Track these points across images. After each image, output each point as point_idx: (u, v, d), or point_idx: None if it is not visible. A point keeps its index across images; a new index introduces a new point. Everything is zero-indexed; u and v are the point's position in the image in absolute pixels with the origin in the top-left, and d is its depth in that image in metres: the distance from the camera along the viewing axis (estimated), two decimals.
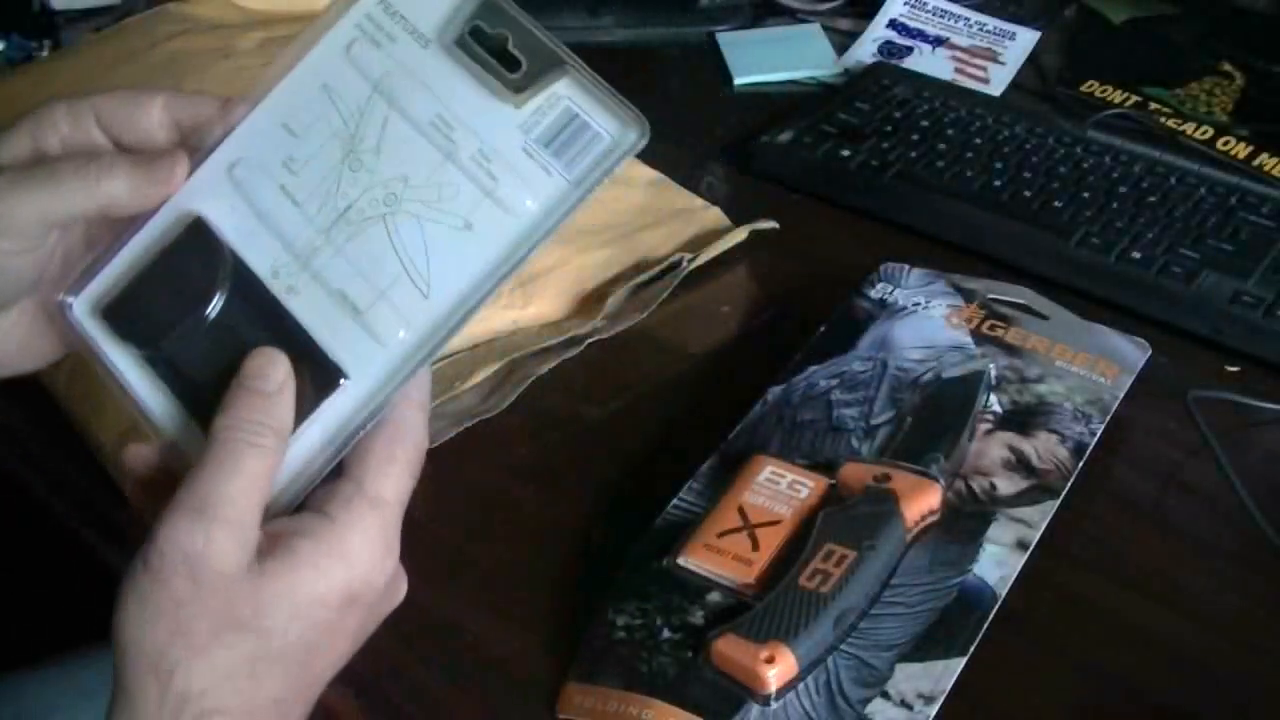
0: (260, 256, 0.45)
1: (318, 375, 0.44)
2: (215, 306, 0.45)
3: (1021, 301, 0.69)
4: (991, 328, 0.67)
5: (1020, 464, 0.60)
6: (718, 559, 0.55)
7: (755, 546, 0.55)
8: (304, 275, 0.44)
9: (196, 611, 0.40)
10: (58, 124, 0.46)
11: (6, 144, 0.46)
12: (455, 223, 0.44)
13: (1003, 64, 1.00)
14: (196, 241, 0.45)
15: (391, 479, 0.43)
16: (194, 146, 0.46)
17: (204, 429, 0.43)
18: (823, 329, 0.67)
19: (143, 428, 0.46)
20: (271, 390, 0.43)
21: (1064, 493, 0.59)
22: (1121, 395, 0.63)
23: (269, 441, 0.42)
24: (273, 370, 0.43)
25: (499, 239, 0.43)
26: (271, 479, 0.43)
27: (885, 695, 0.50)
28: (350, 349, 0.44)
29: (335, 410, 0.44)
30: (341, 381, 0.44)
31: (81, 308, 0.46)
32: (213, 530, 0.40)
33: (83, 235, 0.48)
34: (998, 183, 0.82)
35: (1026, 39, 1.02)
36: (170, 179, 0.45)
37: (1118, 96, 0.94)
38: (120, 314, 0.46)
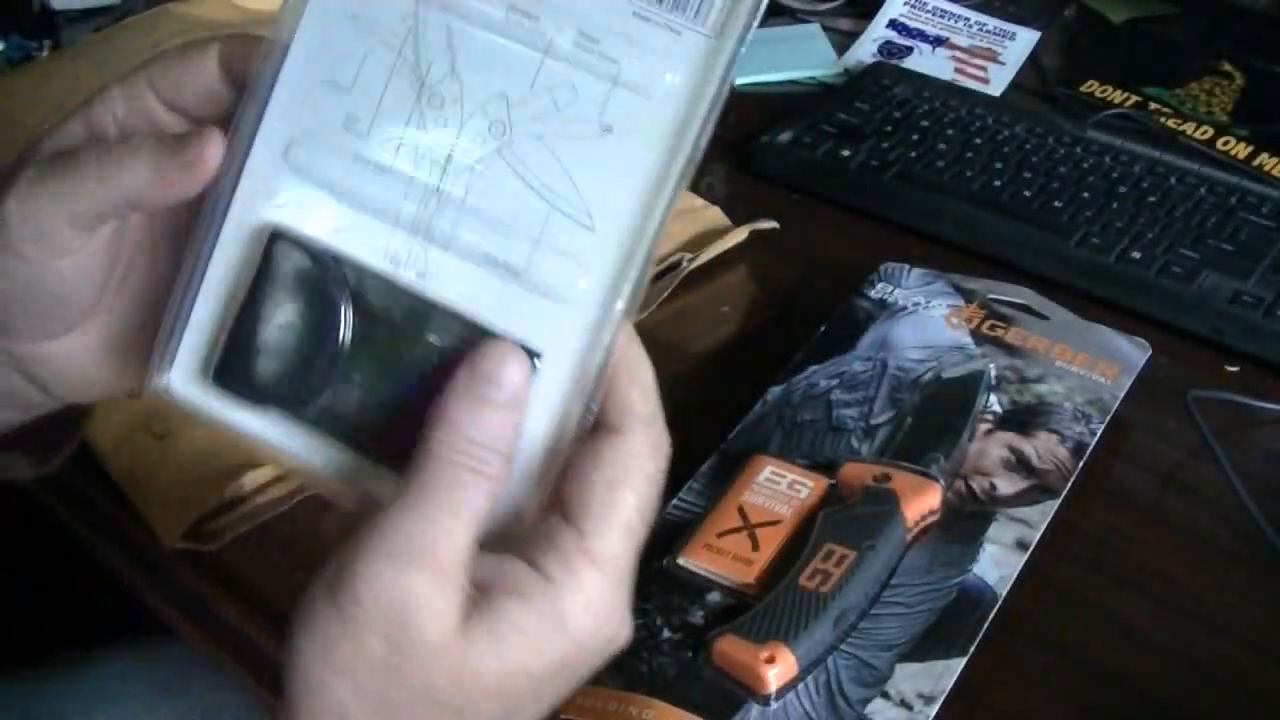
0: (369, 248, 0.37)
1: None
2: (346, 329, 0.37)
3: (1021, 301, 0.69)
4: (991, 328, 0.67)
5: (1020, 464, 0.60)
6: (718, 559, 0.55)
7: (755, 546, 0.55)
8: (431, 252, 0.37)
9: (390, 680, 0.34)
10: (113, 104, 0.39)
11: (58, 133, 0.39)
12: (588, 130, 0.36)
13: (1003, 64, 1.00)
14: (287, 258, 0.37)
15: (618, 530, 0.35)
16: None
17: (391, 465, 0.36)
18: (823, 329, 0.67)
19: (316, 488, 0.40)
20: (505, 399, 0.35)
21: (1064, 493, 0.59)
22: (1121, 395, 0.63)
23: (494, 468, 0.35)
24: (506, 371, 0.35)
25: (651, 132, 0.36)
26: (490, 514, 0.35)
27: (885, 695, 0.50)
28: (527, 320, 0.36)
29: (542, 401, 0.36)
30: (535, 363, 0.36)
31: (183, 382, 0.39)
32: (421, 585, 0.33)
33: (146, 243, 0.41)
34: (998, 183, 0.82)
35: (1026, 39, 1.02)
36: (202, 161, 0.37)
37: (1118, 96, 0.94)
38: (236, 375, 0.38)
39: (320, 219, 0.38)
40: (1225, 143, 0.89)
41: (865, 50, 1.02)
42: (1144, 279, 0.74)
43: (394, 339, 0.37)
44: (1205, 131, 0.89)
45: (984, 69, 1.00)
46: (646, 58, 0.36)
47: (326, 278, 0.37)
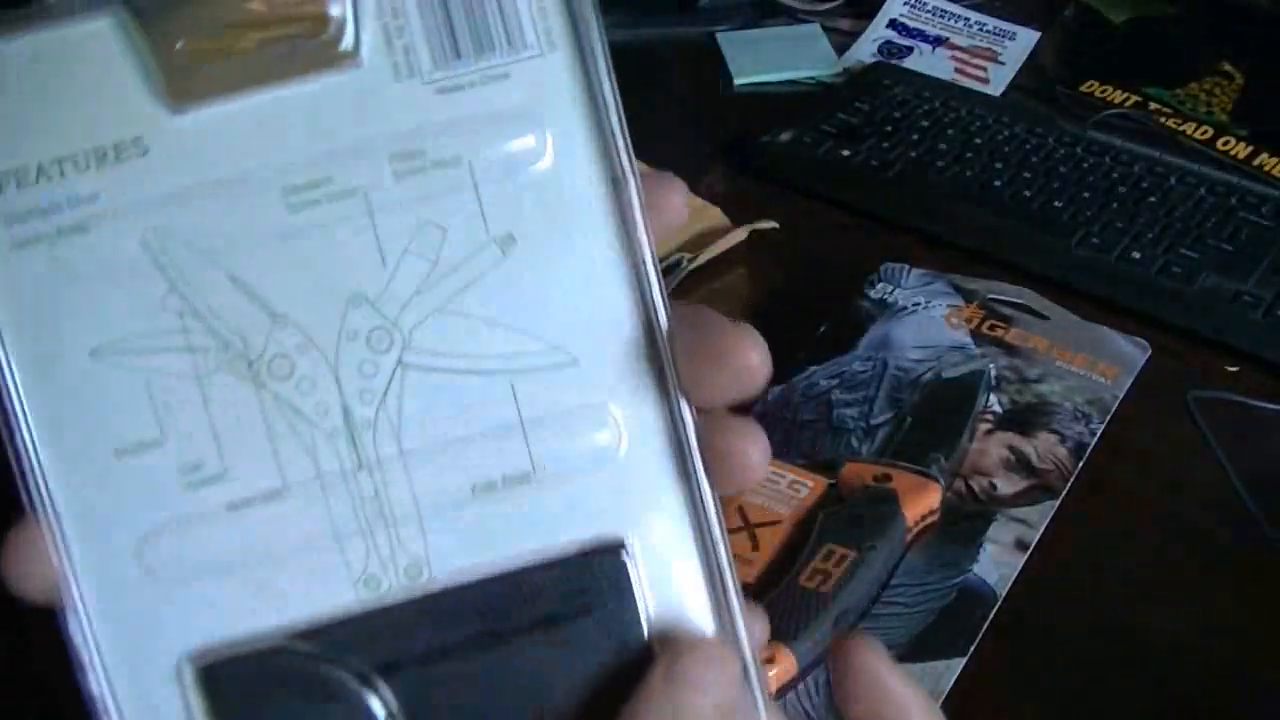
0: (328, 595, 0.27)
1: (589, 580, 0.27)
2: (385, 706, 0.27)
3: (1021, 301, 0.69)
4: (991, 328, 0.67)
5: (1020, 464, 0.60)
6: None
7: (755, 546, 0.55)
8: (403, 537, 0.27)
9: None
10: None
11: None
12: (488, 259, 0.27)
13: (1003, 64, 1.00)
14: (242, 685, 0.27)
15: None
16: None
17: None
18: (823, 329, 0.67)
19: None
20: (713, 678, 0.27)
21: (1064, 493, 0.59)
22: (1121, 395, 0.63)
23: None
24: (712, 674, 0.27)
25: (564, 205, 0.27)
26: None
27: None
28: (577, 520, 0.27)
29: (668, 581, 0.28)
30: (625, 551, 0.27)
31: None
32: None
33: None
34: (998, 183, 0.82)
35: (1026, 39, 1.02)
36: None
37: (1118, 96, 0.94)
38: None
39: (241, 610, 0.27)
40: (1225, 143, 0.89)
41: (865, 50, 1.02)
42: (1144, 279, 0.74)
43: (452, 674, 0.27)
44: (1205, 131, 0.89)
45: (984, 69, 1.00)
46: (492, 132, 0.27)
47: (314, 672, 0.27)
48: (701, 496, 0.27)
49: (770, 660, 0.50)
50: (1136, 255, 0.76)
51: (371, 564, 0.27)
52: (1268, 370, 0.70)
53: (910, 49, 1.02)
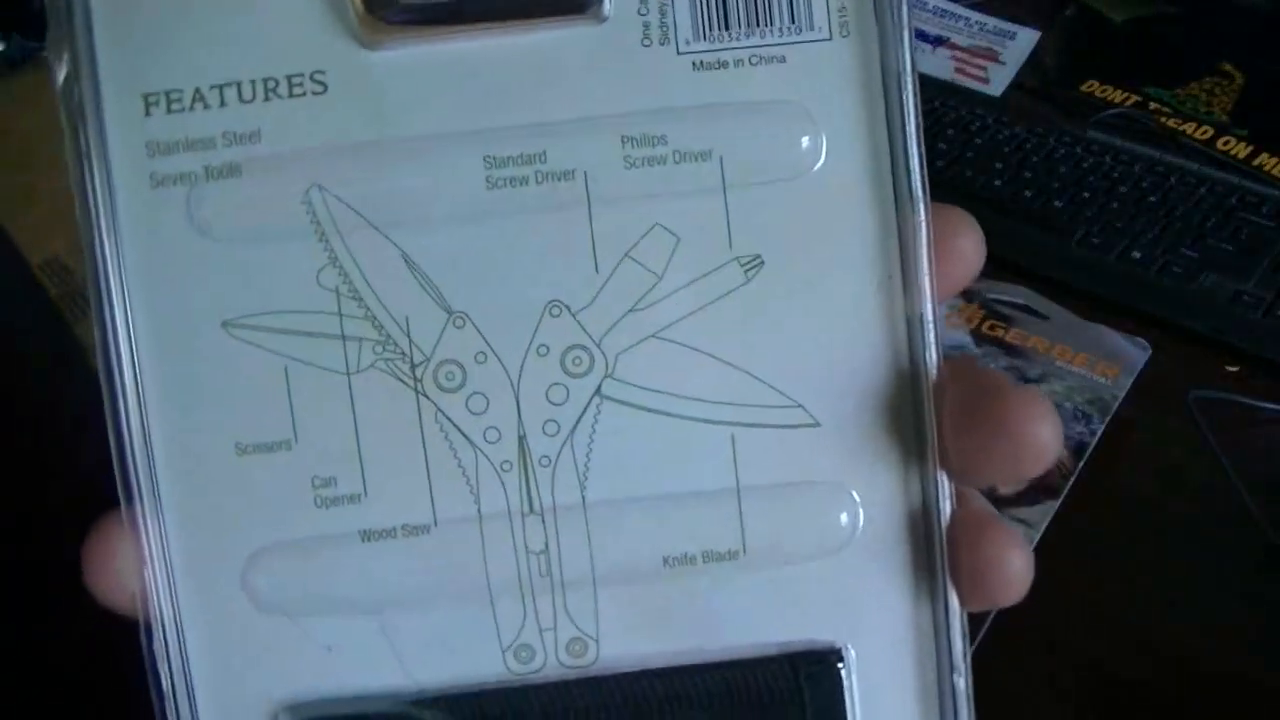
0: (464, 660, 0.22)
1: (791, 691, 0.22)
2: None
3: (1021, 301, 0.69)
4: (991, 328, 0.67)
5: None
6: None
7: None
8: (572, 606, 0.22)
9: None
10: None
11: None
12: (723, 283, 0.22)
13: (1003, 64, 1.00)
14: None
15: None
16: None
17: None
18: None
19: None
20: None
21: (1064, 493, 0.59)
22: (1121, 395, 0.63)
23: None
24: None
25: (825, 232, 0.22)
26: None
27: None
28: (786, 616, 0.23)
29: (887, 710, 0.23)
30: (841, 664, 0.23)
31: None
32: None
33: None
34: (998, 183, 0.82)
35: (1026, 39, 1.02)
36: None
37: (1118, 96, 0.94)
38: None
39: (359, 658, 0.22)
40: (1225, 143, 0.88)
41: None
42: (1144, 279, 0.74)
43: None
44: (1205, 131, 0.89)
45: (984, 69, 1.00)
46: (755, 125, 0.22)
47: None
48: (946, 607, 0.22)
49: None
50: (1136, 255, 0.76)
51: (528, 632, 0.22)
52: (1268, 370, 0.70)
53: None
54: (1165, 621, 0.56)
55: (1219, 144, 0.88)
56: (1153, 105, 0.93)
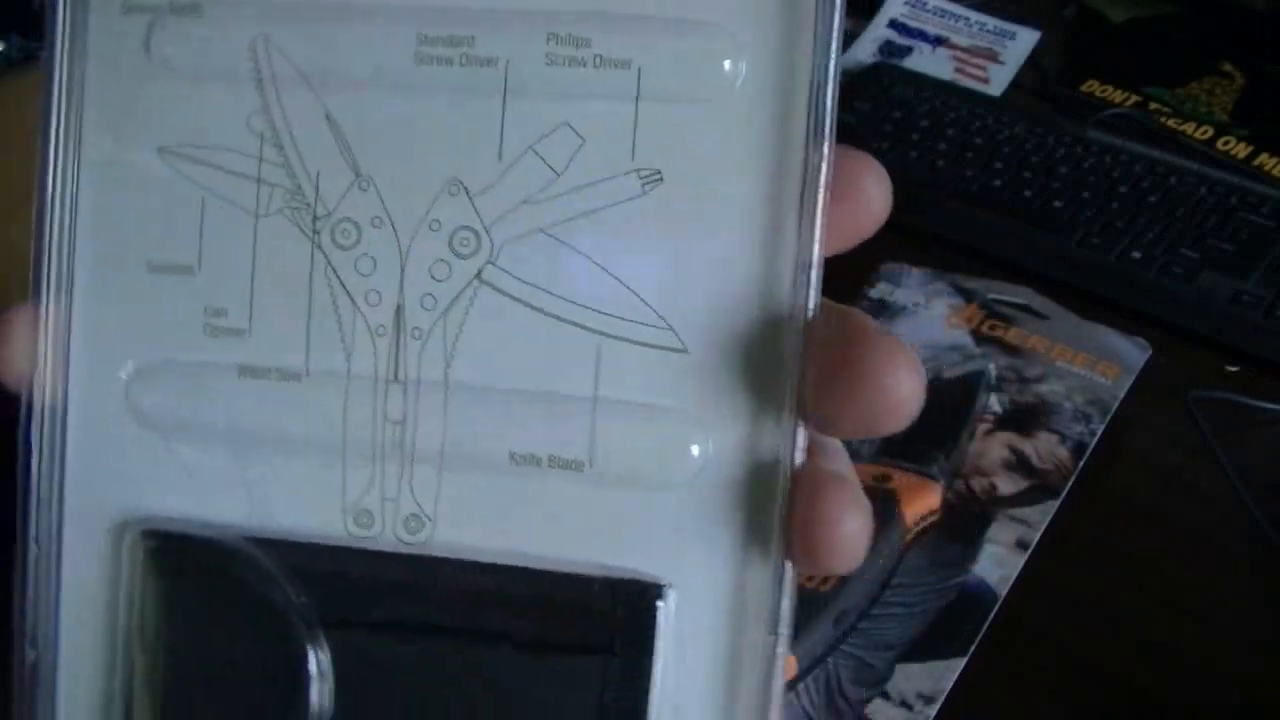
0: (310, 511, 0.23)
1: (606, 618, 0.22)
2: (317, 667, 0.23)
3: (1021, 301, 0.69)
4: (991, 328, 0.67)
5: (1020, 464, 0.60)
6: None
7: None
8: (416, 482, 0.23)
9: None
10: None
11: None
12: (620, 190, 0.22)
13: (1003, 64, 1.00)
14: (176, 569, 0.23)
15: None
16: None
17: None
18: None
19: None
20: None
21: (1064, 493, 0.59)
22: (1121, 395, 0.63)
23: None
24: None
25: (726, 160, 0.22)
26: None
27: (885, 695, 0.50)
28: (623, 542, 0.22)
29: (700, 656, 0.22)
30: (661, 601, 0.22)
31: None
32: None
33: None
34: (998, 183, 0.82)
35: (1026, 39, 1.02)
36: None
37: (1118, 96, 0.94)
38: None
39: (214, 488, 0.23)
40: (1225, 143, 0.89)
41: (865, 50, 1.02)
42: (1144, 279, 0.74)
43: (409, 652, 0.23)
44: (1205, 131, 0.89)
45: (984, 69, 1.00)
46: (676, 41, 0.22)
47: (258, 586, 0.23)
48: (779, 565, 0.22)
49: None
50: (1136, 255, 0.76)
51: (371, 499, 0.23)
52: (1268, 370, 0.70)
53: (910, 49, 1.02)
54: (1165, 621, 0.56)
55: (1219, 144, 0.88)
56: (1153, 105, 0.93)
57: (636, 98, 0.22)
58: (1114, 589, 0.58)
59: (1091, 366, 0.65)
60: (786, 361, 0.22)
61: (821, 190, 0.21)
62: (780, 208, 0.22)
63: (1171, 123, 0.91)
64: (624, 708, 0.22)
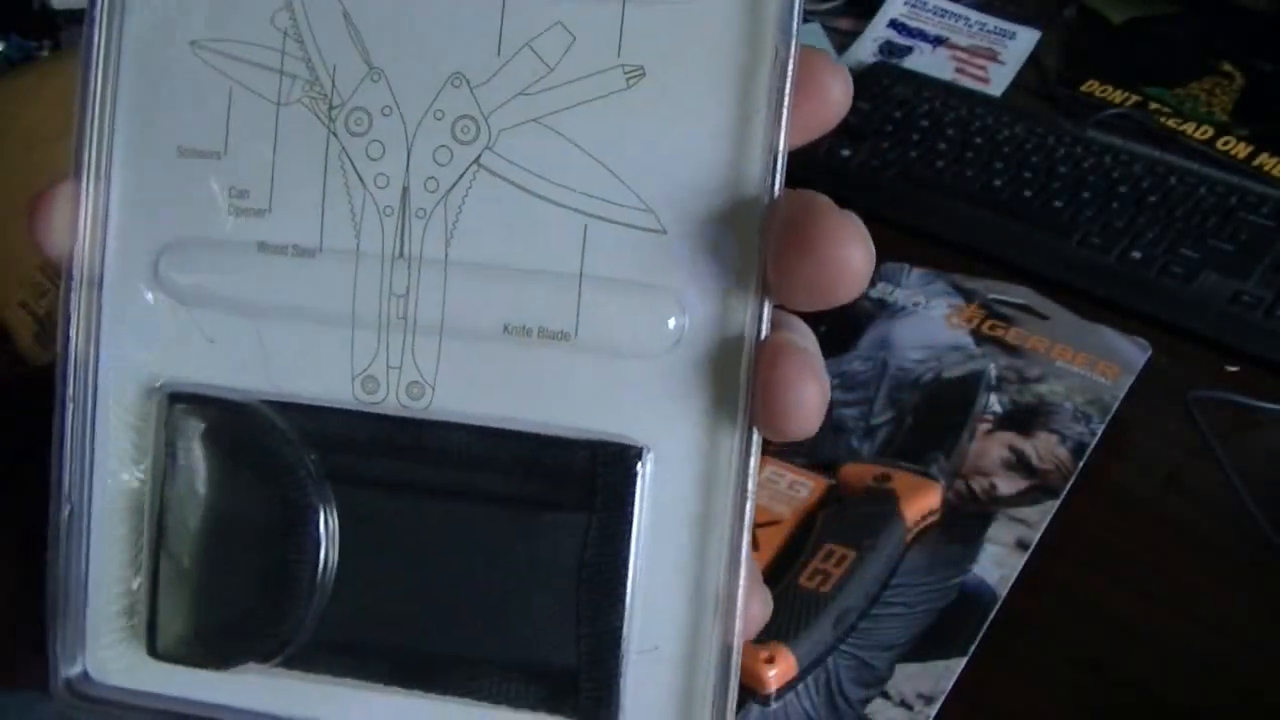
0: (321, 377, 0.25)
1: (588, 478, 0.24)
2: (326, 515, 0.25)
3: (1021, 301, 0.69)
4: (991, 328, 0.67)
5: (1020, 464, 0.60)
6: None
7: (755, 546, 0.55)
8: (418, 352, 0.25)
9: None
10: None
11: None
12: (606, 84, 0.24)
13: (1003, 64, 1.00)
14: (200, 430, 0.26)
15: None
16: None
17: (459, 690, 0.25)
18: (822, 329, 0.67)
19: None
20: None
21: (1064, 493, 0.59)
22: (1121, 395, 0.63)
23: None
24: None
25: (708, 55, 0.24)
26: None
27: (885, 695, 0.50)
28: (606, 406, 0.24)
29: (673, 514, 0.24)
30: (640, 463, 0.24)
31: (107, 668, 0.26)
32: None
33: None
34: (998, 183, 0.82)
35: (1026, 39, 1.02)
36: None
37: (1118, 96, 0.94)
38: (186, 634, 0.26)
39: (233, 356, 0.26)
40: (1225, 143, 0.89)
41: (865, 50, 1.02)
42: (1144, 279, 0.74)
43: (408, 508, 0.25)
44: (1205, 131, 0.89)
45: (984, 69, 1.00)
46: None
47: (272, 445, 0.25)
48: (748, 431, 0.24)
49: (770, 660, 0.50)
50: (1136, 255, 0.76)
51: (376, 366, 0.25)
52: (1268, 370, 0.70)
53: (910, 49, 1.02)
54: (1165, 621, 0.56)
55: (1219, 144, 0.88)
56: (1153, 105, 0.93)
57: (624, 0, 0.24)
58: (1114, 589, 0.58)
59: (1091, 366, 0.65)
60: (754, 241, 0.24)
61: (788, 85, 0.23)
62: (750, 101, 0.24)
63: (1171, 123, 0.91)
64: (604, 563, 0.24)
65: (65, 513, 0.26)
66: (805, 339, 0.25)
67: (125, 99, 0.26)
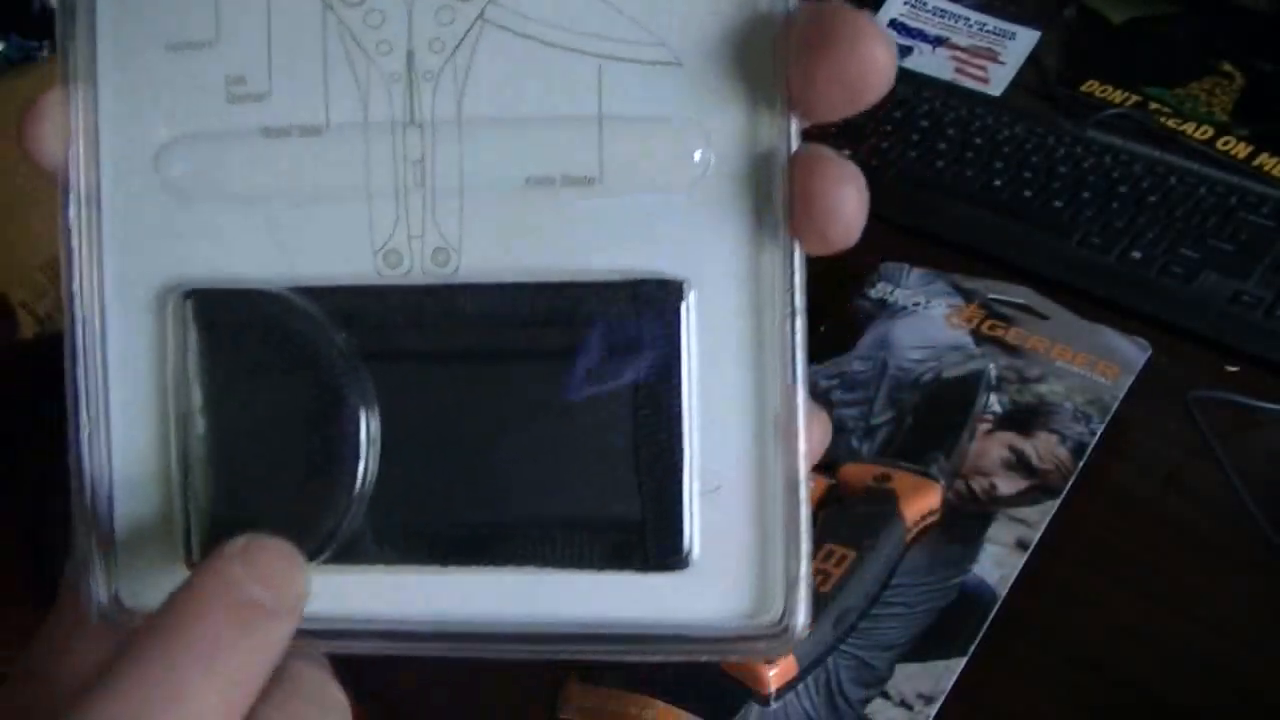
0: (341, 254, 0.24)
1: (633, 319, 0.24)
2: (364, 397, 0.24)
3: (1021, 301, 0.69)
4: (991, 328, 0.67)
5: (1020, 464, 0.60)
6: None
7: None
8: (439, 216, 0.24)
9: None
10: None
11: None
12: None
13: (1003, 64, 1.00)
14: (222, 324, 0.25)
15: None
16: None
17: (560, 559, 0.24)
18: (822, 329, 0.67)
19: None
20: None
21: (1064, 493, 0.59)
22: (1121, 395, 0.63)
23: None
24: None
25: None
26: None
27: (885, 695, 0.50)
28: (639, 243, 0.24)
29: (724, 346, 0.24)
30: (683, 296, 0.24)
31: (140, 588, 0.25)
32: None
33: None
34: (998, 183, 0.82)
35: (1026, 39, 1.02)
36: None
37: (1118, 96, 0.94)
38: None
39: (246, 246, 0.24)
40: (1225, 143, 0.88)
41: None
42: (1144, 279, 0.74)
43: (449, 378, 0.24)
44: (1205, 131, 0.89)
45: (984, 69, 1.00)
46: None
47: (299, 331, 0.24)
48: (790, 250, 0.23)
49: (770, 660, 0.50)
50: (1136, 255, 0.76)
51: (398, 237, 0.24)
52: (1268, 370, 0.70)
53: (910, 49, 1.02)
54: (1165, 621, 0.56)
55: (1219, 144, 0.88)
56: (1153, 105, 0.93)
57: None
58: (1114, 589, 0.58)
59: (1091, 366, 0.65)
60: (772, 58, 0.23)
61: None
62: None
63: (1171, 123, 0.91)
64: (657, 405, 0.24)
65: (85, 432, 0.25)
66: (833, 153, 0.24)
67: (105, 7, 0.25)
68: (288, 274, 0.24)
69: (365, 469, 0.24)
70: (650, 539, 0.24)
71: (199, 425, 0.25)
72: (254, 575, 0.23)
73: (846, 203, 0.23)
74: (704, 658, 0.24)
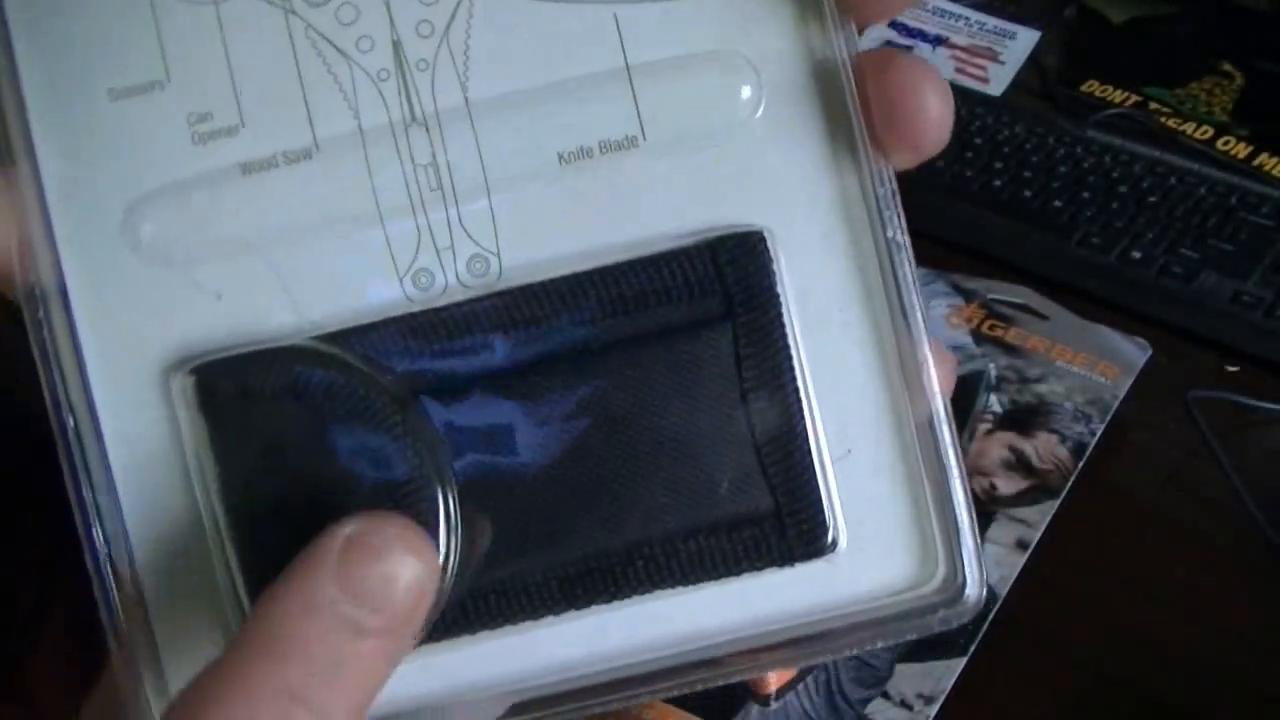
0: (366, 287, 0.21)
1: (716, 281, 0.20)
2: (413, 442, 0.20)
3: (1021, 301, 0.69)
4: (991, 328, 0.67)
5: (1020, 464, 0.60)
6: None
7: None
8: (468, 220, 0.21)
9: None
10: None
11: None
12: None
13: (1003, 64, 1.00)
14: (243, 400, 0.20)
15: None
16: None
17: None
18: None
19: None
20: None
21: (1064, 493, 0.59)
22: (1121, 395, 0.63)
23: None
24: None
25: None
26: None
27: (885, 695, 0.50)
28: (697, 203, 0.21)
29: (823, 293, 0.21)
30: (766, 246, 0.21)
31: None
32: None
33: None
34: (998, 183, 0.82)
35: (1026, 39, 1.02)
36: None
37: (1118, 96, 0.94)
38: None
39: (250, 302, 0.21)
40: (1225, 143, 0.88)
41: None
42: (1144, 279, 0.74)
43: (521, 398, 0.20)
44: (1205, 131, 0.89)
45: (984, 69, 1.00)
46: None
47: (337, 384, 0.20)
48: (871, 167, 0.21)
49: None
50: (1136, 255, 0.76)
51: (424, 254, 0.20)
52: (1268, 370, 0.70)
53: (910, 48, 1.02)
54: (1165, 621, 0.56)
55: (1219, 144, 0.88)
56: (1153, 105, 0.93)
57: None
58: (1114, 589, 0.58)
59: (1091, 366, 0.65)
60: None
61: None
62: None
63: (1171, 123, 0.91)
64: (766, 374, 0.20)
65: (103, 557, 0.20)
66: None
67: (29, 52, 0.20)
68: (304, 323, 0.20)
69: (448, 523, 0.20)
70: (790, 527, 0.21)
71: (246, 514, 0.20)
72: None
73: (931, 100, 0.21)
74: (880, 642, 0.22)
